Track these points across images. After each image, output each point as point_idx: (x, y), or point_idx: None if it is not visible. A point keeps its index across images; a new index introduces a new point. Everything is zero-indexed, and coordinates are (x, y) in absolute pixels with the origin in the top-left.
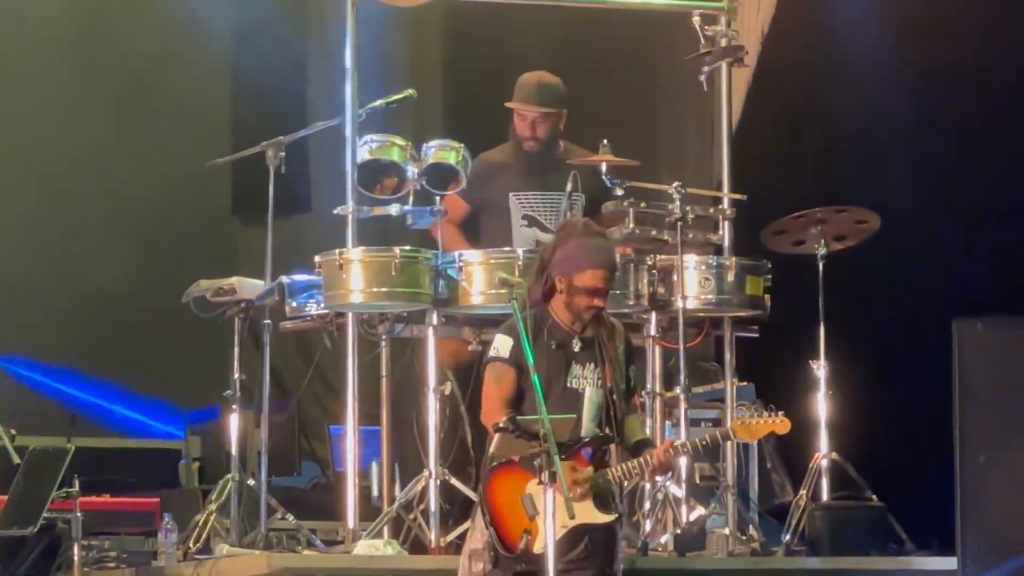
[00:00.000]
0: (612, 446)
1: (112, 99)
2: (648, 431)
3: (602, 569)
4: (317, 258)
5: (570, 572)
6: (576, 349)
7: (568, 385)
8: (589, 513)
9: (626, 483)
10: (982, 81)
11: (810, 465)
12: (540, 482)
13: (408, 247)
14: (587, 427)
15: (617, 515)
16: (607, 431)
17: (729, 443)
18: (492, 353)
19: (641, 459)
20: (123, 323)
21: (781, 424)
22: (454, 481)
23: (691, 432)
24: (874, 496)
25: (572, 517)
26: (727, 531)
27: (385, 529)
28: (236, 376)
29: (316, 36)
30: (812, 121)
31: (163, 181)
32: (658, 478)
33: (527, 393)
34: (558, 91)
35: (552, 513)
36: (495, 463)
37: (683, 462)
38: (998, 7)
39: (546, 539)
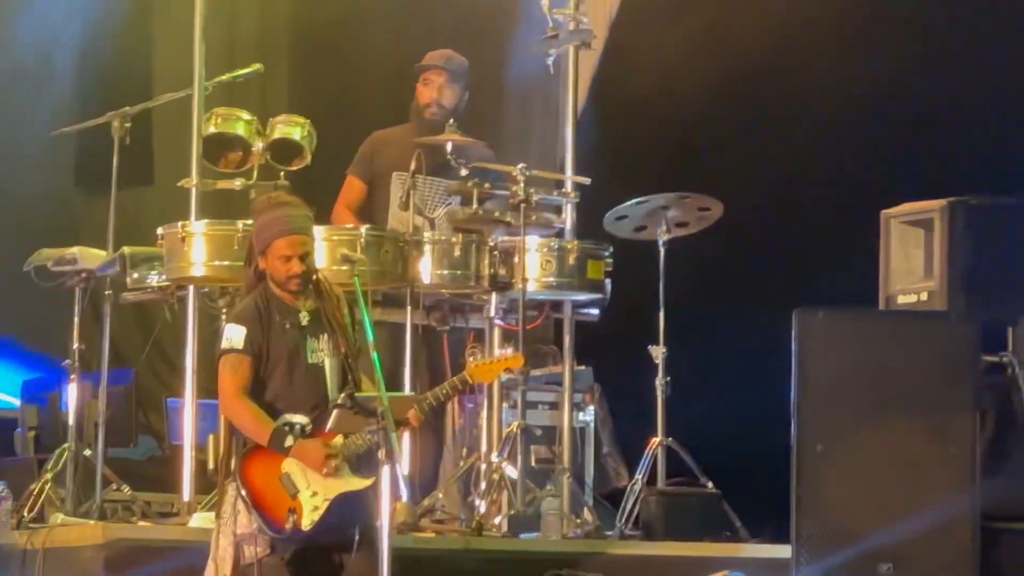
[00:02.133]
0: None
1: None
2: (486, 414)
3: (360, 533)
4: (160, 230)
5: (346, 547)
6: (305, 323)
7: (309, 361)
8: (347, 483)
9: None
10: (821, 75)
11: (646, 450)
12: (381, 460)
13: (251, 221)
14: (333, 397)
15: (372, 479)
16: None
17: (567, 425)
18: (225, 345)
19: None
20: None
21: (514, 359)
22: None
23: (528, 415)
24: (709, 483)
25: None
26: (562, 514)
27: None
28: (75, 346)
29: (164, 7)
30: (657, 108)
31: (7, 148)
32: (494, 457)
33: (267, 381)
34: (465, 66)
35: (388, 492)
36: (246, 447)
37: (519, 445)
38: (836, 11)
39: (383, 515)
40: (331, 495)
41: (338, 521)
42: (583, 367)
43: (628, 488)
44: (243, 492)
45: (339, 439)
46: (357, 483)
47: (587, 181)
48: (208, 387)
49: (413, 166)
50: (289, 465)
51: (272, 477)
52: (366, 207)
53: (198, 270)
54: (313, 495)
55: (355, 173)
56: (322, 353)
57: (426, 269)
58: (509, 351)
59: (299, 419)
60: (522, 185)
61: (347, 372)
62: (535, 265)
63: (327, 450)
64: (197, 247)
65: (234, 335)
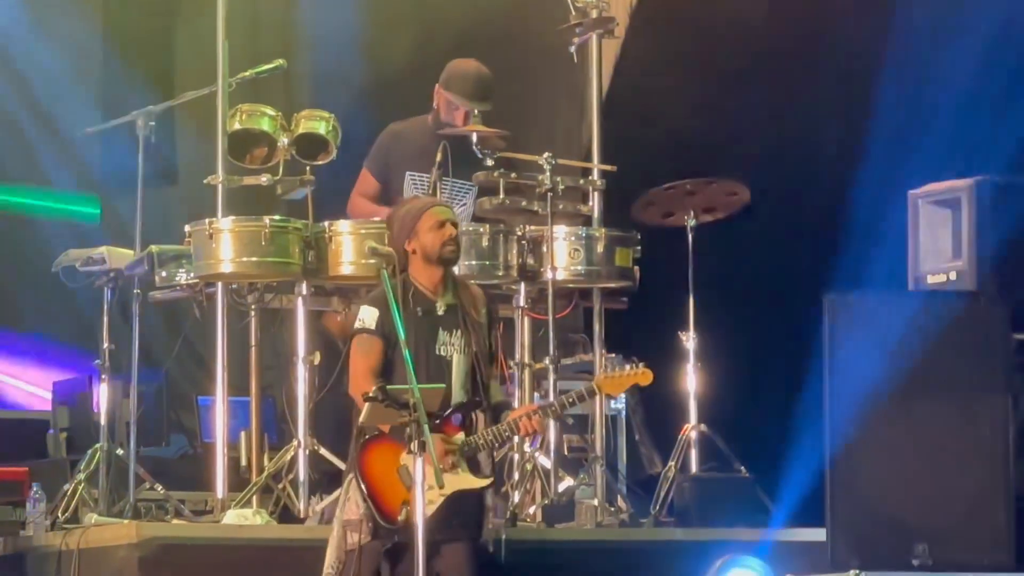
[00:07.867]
0: (479, 411)
1: None
2: (517, 402)
3: (473, 537)
4: (187, 228)
5: (448, 542)
6: (441, 313)
7: (437, 352)
8: (464, 480)
9: (496, 447)
10: (845, 56)
11: (679, 437)
12: (409, 451)
13: (278, 217)
14: (457, 394)
15: (491, 479)
16: (475, 396)
17: (599, 413)
18: (358, 325)
19: (510, 422)
20: None
21: (643, 375)
22: (323, 451)
23: None
24: (742, 468)
25: (441, 487)
26: (596, 502)
27: (254, 499)
28: (105, 346)
29: (186, 4)
30: (680, 93)
31: (32, 149)
32: (527, 447)
33: (395, 364)
34: (493, 85)
35: (423, 483)
36: (367, 436)
37: (552, 433)
38: None
39: (417, 508)
40: (448, 491)
41: (449, 518)
42: (613, 355)
43: (662, 475)
44: (359, 481)
45: (460, 436)
46: (474, 482)
47: (613, 169)
48: (239, 384)
49: (439, 158)
50: (408, 458)
51: (390, 467)
52: (379, 201)
53: (226, 267)
54: (429, 489)
55: (369, 168)
56: (452, 348)
57: None
58: (641, 367)
59: None
60: (548, 174)
61: (476, 371)
62: (563, 254)
63: (445, 446)
64: (225, 244)
65: (367, 316)
